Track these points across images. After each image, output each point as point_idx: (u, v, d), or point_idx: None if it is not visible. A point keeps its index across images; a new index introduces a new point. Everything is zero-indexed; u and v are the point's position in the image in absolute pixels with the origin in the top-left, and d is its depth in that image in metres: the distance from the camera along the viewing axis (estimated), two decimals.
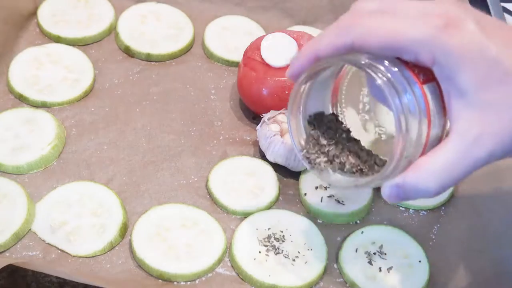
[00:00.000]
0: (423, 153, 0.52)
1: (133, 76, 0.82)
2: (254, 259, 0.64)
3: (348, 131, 0.60)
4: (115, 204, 0.67)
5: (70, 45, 0.83)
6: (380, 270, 0.65)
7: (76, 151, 0.73)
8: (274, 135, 0.72)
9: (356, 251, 0.67)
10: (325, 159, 0.58)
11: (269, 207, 0.70)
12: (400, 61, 0.51)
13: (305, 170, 0.73)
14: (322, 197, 0.71)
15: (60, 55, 0.81)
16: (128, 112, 0.78)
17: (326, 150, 0.59)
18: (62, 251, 0.64)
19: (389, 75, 0.50)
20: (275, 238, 0.66)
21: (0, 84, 0.78)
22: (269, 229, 0.67)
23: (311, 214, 0.70)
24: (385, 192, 0.52)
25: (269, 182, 0.72)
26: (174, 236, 0.65)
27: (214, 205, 0.70)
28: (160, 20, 0.87)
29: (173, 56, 0.85)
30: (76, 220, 0.66)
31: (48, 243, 0.64)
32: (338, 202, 0.71)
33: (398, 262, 0.66)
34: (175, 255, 0.64)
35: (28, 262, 0.61)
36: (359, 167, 0.57)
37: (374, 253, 0.66)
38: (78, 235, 0.65)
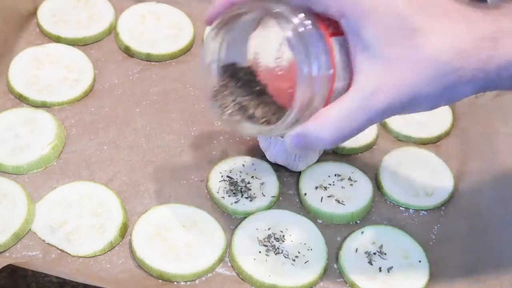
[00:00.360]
0: (327, 104, 0.52)
1: (133, 76, 0.82)
2: (254, 259, 0.64)
3: (261, 84, 0.59)
4: (115, 204, 0.67)
5: (70, 45, 0.83)
6: (380, 270, 0.65)
7: (76, 151, 0.73)
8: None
9: (356, 251, 0.67)
10: (235, 108, 0.58)
11: (269, 207, 0.70)
12: (313, 13, 0.52)
13: (305, 170, 0.73)
14: (322, 197, 0.71)
15: (60, 55, 0.81)
16: (128, 112, 0.78)
17: (236, 99, 0.58)
18: (62, 251, 0.64)
19: (296, 26, 0.51)
20: (275, 238, 0.66)
21: (0, 84, 0.78)
22: (269, 229, 0.67)
23: (311, 214, 0.70)
24: (287, 141, 0.53)
25: (269, 182, 0.72)
26: (174, 236, 0.65)
27: (214, 206, 0.70)
28: (160, 20, 0.87)
29: (173, 56, 0.85)
30: (76, 220, 0.66)
31: (48, 243, 0.64)
32: (338, 202, 0.71)
33: (398, 262, 0.66)
34: (175, 255, 0.64)
35: (28, 262, 0.61)
36: (266, 118, 0.57)
37: (374, 253, 0.67)
38: (78, 235, 0.65)
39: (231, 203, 0.70)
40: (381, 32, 0.49)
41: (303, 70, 0.51)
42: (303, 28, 0.51)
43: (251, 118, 0.58)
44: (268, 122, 0.57)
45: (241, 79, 0.60)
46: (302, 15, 0.52)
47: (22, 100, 0.77)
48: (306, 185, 0.72)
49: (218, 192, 0.70)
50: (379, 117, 0.51)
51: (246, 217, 0.68)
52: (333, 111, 0.51)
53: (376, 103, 0.50)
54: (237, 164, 0.73)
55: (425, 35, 0.50)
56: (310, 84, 0.51)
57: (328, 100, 0.53)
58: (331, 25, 0.52)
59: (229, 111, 0.58)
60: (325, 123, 0.51)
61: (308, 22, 0.52)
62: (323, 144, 0.52)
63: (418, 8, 0.50)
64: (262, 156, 0.74)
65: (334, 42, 0.52)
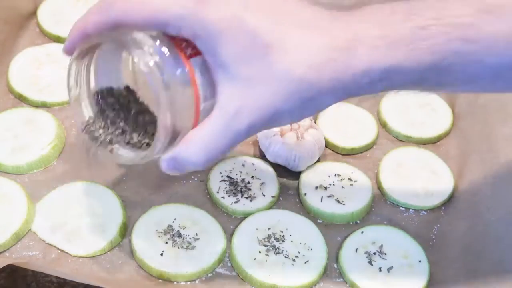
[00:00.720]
0: (196, 125, 0.52)
1: None
2: (254, 259, 0.64)
3: (140, 103, 0.57)
4: (115, 204, 0.67)
5: None
6: (380, 270, 0.65)
7: (76, 151, 0.73)
8: (274, 135, 0.72)
9: (356, 251, 0.67)
10: (108, 136, 0.57)
11: (269, 207, 0.70)
12: (169, 37, 0.51)
13: (305, 170, 0.73)
14: (322, 197, 0.71)
15: (60, 55, 0.80)
16: None
17: (109, 127, 0.57)
18: (62, 251, 0.64)
19: (149, 54, 0.50)
20: (275, 238, 0.66)
21: (0, 84, 0.78)
22: (269, 229, 0.67)
23: (311, 214, 0.70)
24: (162, 165, 0.53)
25: (269, 182, 0.72)
26: (174, 236, 0.65)
27: (214, 205, 0.70)
28: None
29: None
30: (76, 220, 0.66)
31: (48, 243, 0.64)
32: (338, 202, 0.71)
33: (398, 262, 0.66)
34: (175, 255, 0.64)
35: (28, 262, 0.61)
36: (145, 141, 0.56)
37: (374, 253, 0.67)
38: (78, 235, 0.65)
39: (231, 203, 0.70)
40: (236, 51, 0.49)
41: (159, 98, 0.50)
42: (157, 56, 0.50)
43: (129, 144, 0.57)
44: (148, 145, 0.56)
45: (117, 102, 0.58)
46: (157, 41, 0.51)
47: (22, 100, 0.77)
48: (306, 185, 0.72)
49: (218, 192, 0.70)
50: (244, 136, 0.51)
51: (246, 217, 0.68)
52: (199, 134, 0.51)
53: (239, 124, 0.50)
54: (237, 164, 0.73)
55: (277, 51, 0.49)
56: (170, 110, 0.50)
57: (197, 120, 0.53)
58: (190, 46, 0.51)
59: (101, 140, 0.57)
60: (192, 147, 0.51)
61: (163, 47, 0.51)
62: (195, 166, 0.52)
63: (271, 21, 0.49)
64: (262, 156, 0.74)
65: (194, 64, 0.51)
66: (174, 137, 0.52)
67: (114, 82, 0.58)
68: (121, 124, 0.57)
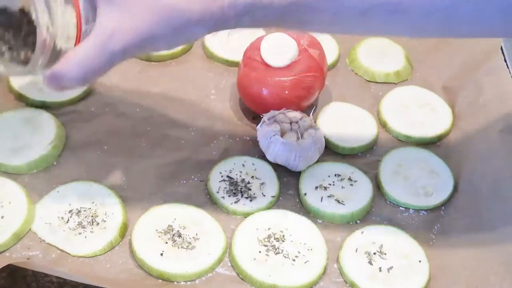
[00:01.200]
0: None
1: (133, 76, 0.82)
2: (254, 259, 0.64)
3: (32, 25, 0.59)
4: (115, 204, 0.67)
5: None
6: (380, 270, 0.65)
7: (76, 151, 0.73)
8: (274, 135, 0.72)
9: (356, 251, 0.67)
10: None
11: (269, 207, 0.70)
12: None
13: (305, 170, 0.73)
14: (322, 197, 0.71)
15: None
16: (128, 112, 0.78)
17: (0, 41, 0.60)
18: (62, 251, 0.64)
19: None
20: (275, 238, 0.66)
21: (0, 84, 0.78)
22: (269, 229, 0.67)
23: (311, 214, 0.70)
24: (44, 81, 0.56)
25: (269, 182, 0.72)
26: (174, 236, 0.65)
27: (214, 205, 0.70)
28: None
29: (173, 56, 0.85)
30: (76, 220, 0.66)
31: (48, 243, 0.64)
32: (338, 202, 0.71)
33: (398, 262, 0.66)
34: (175, 255, 0.64)
35: (28, 262, 0.61)
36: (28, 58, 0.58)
37: (374, 253, 0.66)
38: (78, 235, 0.65)
39: (231, 203, 0.70)
40: None
41: (37, 17, 0.53)
42: None
43: (16, 60, 0.59)
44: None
45: (9, 21, 0.60)
46: None
47: (22, 100, 0.77)
48: (306, 185, 0.72)
49: (218, 192, 0.70)
50: (120, 56, 0.55)
51: (246, 217, 0.68)
52: (77, 51, 0.55)
53: (115, 44, 0.54)
54: (237, 164, 0.73)
55: None
56: (47, 28, 0.53)
57: (79, 41, 0.56)
58: None
59: None
60: (69, 63, 0.55)
61: None
62: (71, 82, 0.55)
63: None
64: (262, 156, 0.74)
65: None
66: (57, 55, 0.55)
67: (10, 2, 0.60)
68: (11, 41, 0.60)
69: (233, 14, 0.56)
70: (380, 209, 0.72)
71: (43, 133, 0.72)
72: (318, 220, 0.70)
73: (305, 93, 0.76)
